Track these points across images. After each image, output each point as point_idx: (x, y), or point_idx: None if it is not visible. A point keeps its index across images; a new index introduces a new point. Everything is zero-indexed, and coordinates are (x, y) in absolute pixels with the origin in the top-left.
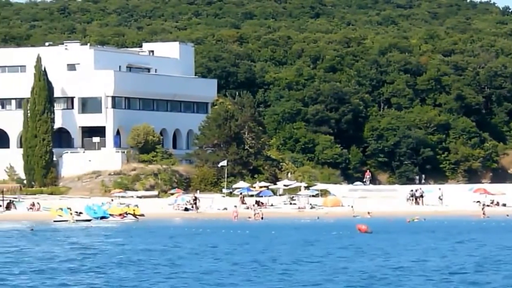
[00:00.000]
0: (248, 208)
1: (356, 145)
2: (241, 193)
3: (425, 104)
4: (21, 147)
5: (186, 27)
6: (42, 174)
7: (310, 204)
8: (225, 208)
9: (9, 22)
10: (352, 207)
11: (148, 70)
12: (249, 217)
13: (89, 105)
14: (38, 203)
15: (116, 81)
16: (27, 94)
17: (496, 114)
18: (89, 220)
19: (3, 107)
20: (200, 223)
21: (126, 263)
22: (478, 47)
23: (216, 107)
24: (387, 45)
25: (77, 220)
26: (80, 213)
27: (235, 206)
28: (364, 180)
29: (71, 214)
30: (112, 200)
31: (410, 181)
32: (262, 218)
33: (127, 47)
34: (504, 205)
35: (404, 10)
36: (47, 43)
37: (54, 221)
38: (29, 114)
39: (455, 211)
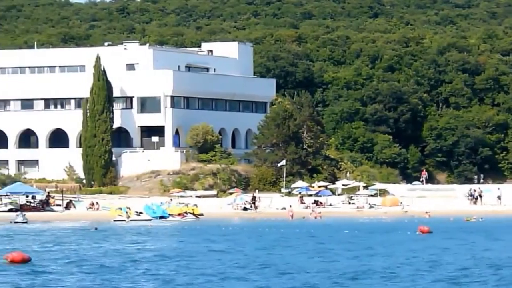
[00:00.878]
0: (307, 207)
1: (415, 145)
2: (299, 193)
3: (483, 104)
4: (80, 146)
5: (245, 27)
6: (101, 173)
7: (369, 204)
8: (284, 208)
9: (68, 22)
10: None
11: (207, 70)
12: (304, 217)
13: (148, 104)
14: (97, 202)
15: (175, 81)
16: (86, 94)
17: None
18: (149, 220)
19: (62, 106)
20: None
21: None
22: None
23: (274, 106)
24: (446, 44)
25: (136, 220)
26: (140, 213)
27: (290, 206)
28: (421, 179)
29: (127, 213)
30: (171, 199)
31: (469, 180)
32: (320, 217)
33: (186, 47)
34: None
35: (462, 9)
36: (106, 43)
37: (114, 220)
38: (88, 114)
39: None
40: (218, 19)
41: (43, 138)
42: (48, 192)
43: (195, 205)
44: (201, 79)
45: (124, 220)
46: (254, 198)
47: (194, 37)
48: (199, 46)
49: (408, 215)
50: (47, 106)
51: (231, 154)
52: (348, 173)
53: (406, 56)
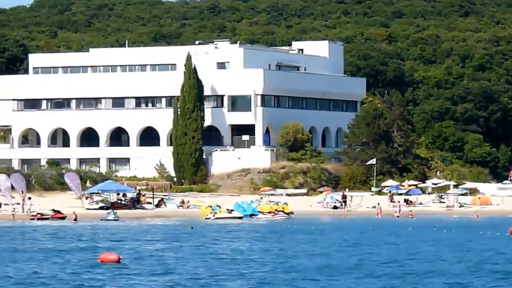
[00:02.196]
0: (400, 206)
1: (505, 144)
2: (389, 192)
3: None
4: (171, 145)
5: (335, 25)
6: (192, 171)
7: (459, 203)
8: (374, 207)
9: (159, 20)
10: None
11: (298, 68)
12: (394, 215)
13: (238, 103)
14: (188, 201)
15: (265, 80)
16: (177, 92)
17: None
18: (240, 218)
19: (153, 105)
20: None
21: None
22: None
23: (365, 105)
24: None
25: (227, 218)
26: (232, 210)
27: (378, 203)
28: (510, 178)
29: (213, 211)
30: (262, 198)
31: None
32: (412, 216)
33: (276, 46)
34: None
35: None
36: (197, 42)
37: (206, 218)
38: (179, 112)
39: None
40: (308, 18)
41: (134, 136)
42: (139, 190)
43: (285, 203)
44: (291, 78)
45: (209, 218)
46: (345, 197)
47: (284, 35)
48: (290, 45)
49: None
50: (138, 104)
51: (321, 153)
52: (438, 172)
53: (497, 55)
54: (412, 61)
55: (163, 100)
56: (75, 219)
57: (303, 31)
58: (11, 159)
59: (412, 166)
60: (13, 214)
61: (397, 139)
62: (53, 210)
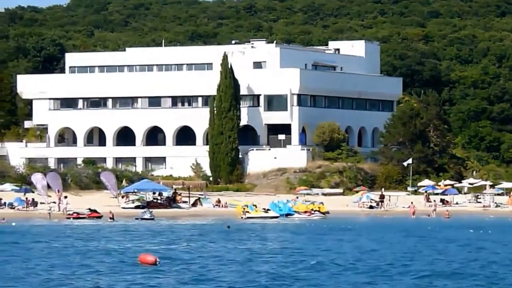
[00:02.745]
0: (433, 206)
1: None
2: (425, 191)
3: None
4: (207, 144)
5: (372, 25)
6: (228, 171)
7: (495, 203)
8: (409, 207)
9: (196, 20)
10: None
11: (334, 68)
12: (429, 215)
13: (274, 102)
14: (226, 202)
15: (301, 79)
16: (214, 92)
17: None
18: (276, 217)
19: (189, 104)
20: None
21: None
22: None
23: (401, 105)
24: None
25: (264, 217)
26: (268, 210)
27: (412, 203)
28: None
29: (244, 210)
30: (297, 197)
31: None
32: (448, 216)
33: (313, 45)
34: None
35: None
36: (233, 41)
37: (241, 217)
38: (215, 112)
39: None
40: (345, 18)
41: (170, 135)
42: (175, 189)
43: (321, 203)
44: (327, 78)
45: (255, 217)
46: (382, 197)
47: (321, 35)
48: (326, 45)
49: None
50: (174, 103)
51: (357, 153)
52: (474, 172)
53: None
54: (448, 61)
55: (199, 99)
56: (112, 218)
57: (340, 31)
58: (47, 158)
59: (448, 166)
60: (49, 213)
61: (433, 138)
62: (89, 209)
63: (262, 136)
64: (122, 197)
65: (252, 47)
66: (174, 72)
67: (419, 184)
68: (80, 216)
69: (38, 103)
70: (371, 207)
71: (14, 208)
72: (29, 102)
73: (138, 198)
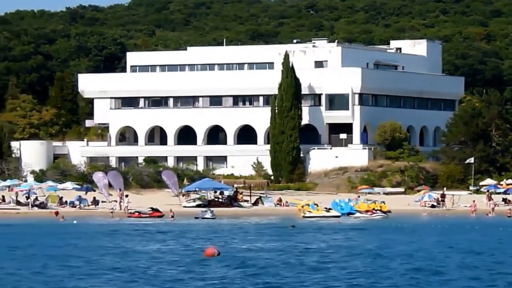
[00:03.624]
0: (495, 205)
1: None
2: (487, 191)
3: None
4: (268, 143)
5: (434, 24)
6: (289, 170)
7: None
8: (471, 206)
9: (257, 19)
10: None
11: (395, 67)
12: (488, 213)
13: (336, 102)
14: (286, 201)
15: (363, 78)
16: (275, 91)
17: None
18: (337, 217)
19: (250, 103)
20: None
21: None
22: None
23: (463, 104)
24: None
25: (325, 217)
26: (330, 209)
27: (473, 201)
28: None
29: (303, 209)
30: (359, 196)
31: None
32: (510, 215)
33: (374, 45)
34: None
35: None
36: (294, 40)
37: (303, 216)
38: (276, 111)
39: None
40: (406, 17)
41: (231, 134)
42: (237, 188)
43: (383, 202)
44: (389, 77)
45: (316, 217)
46: (444, 196)
47: (382, 34)
48: (388, 44)
49: None
50: (235, 102)
51: (419, 152)
52: None
53: None
54: (510, 60)
55: (261, 98)
56: (172, 217)
57: (401, 30)
58: (108, 157)
59: (510, 165)
60: (111, 212)
61: (495, 138)
62: (151, 208)
63: (323, 135)
64: (183, 196)
65: (313, 46)
66: (235, 71)
67: (481, 183)
68: (142, 215)
69: (99, 102)
70: (433, 206)
71: (75, 206)
72: (90, 101)
73: (200, 197)
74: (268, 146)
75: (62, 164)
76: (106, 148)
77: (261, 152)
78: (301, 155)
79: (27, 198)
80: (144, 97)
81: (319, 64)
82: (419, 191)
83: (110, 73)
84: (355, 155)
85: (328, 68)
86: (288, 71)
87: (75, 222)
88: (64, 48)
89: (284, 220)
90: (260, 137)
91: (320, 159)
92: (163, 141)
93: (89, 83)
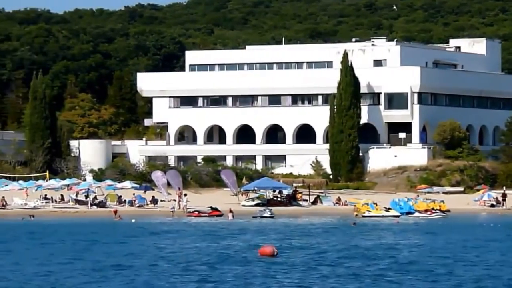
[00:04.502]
0: None
1: None
2: None
3: None
4: (327, 142)
5: (493, 23)
6: (348, 169)
7: None
8: None
9: (316, 18)
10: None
11: (455, 66)
12: None
13: (395, 100)
14: (345, 200)
15: (422, 77)
16: (334, 90)
17: None
18: (397, 216)
19: (309, 102)
20: None
21: None
22: None
23: None
24: None
25: (385, 216)
26: (389, 208)
27: None
28: None
29: (357, 208)
30: (418, 195)
31: None
32: None
33: (433, 43)
34: None
35: None
36: (353, 39)
37: (363, 216)
38: (335, 110)
39: None
40: (466, 16)
41: (290, 133)
42: (296, 187)
43: (442, 201)
44: (448, 76)
45: (375, 216)
46: (504, 195)
47: (441, 33)
48: (447, 43)
49: None
50: (294, 101)
51: (478, 151)
52: None
53: None
54: None
55: (319, 97)
56: (232, 216)
57: (460, 29)
58: (167, 156)
59: None
60: (172, 211)
61: None
62: (210, 207)
63: (382, 134)
64: (242, 194)
65: (372, 45)
66: (294, 70)
67: None
68: (201, 214)
69: (158, 101)
70: (492, 205)
71: (134, 205)
72: (149, 100)
73: (258, 196)
74: (327, 145)
75: (121, 163)
76: (165, 147)
77: (320, 151)
78: (360, 154)
79: (86, 197)
80: (203, 96)
81: (378, 63)
82: (478, 190)
83: (169, 72)
84: (414, 154)
85: (387, 67)
86: (347, 70)
87: (133, 220)
88: (123, 47)
89: (344, 219)
90: (319, 136)
91: (379, 158)
92: (222, 140)
93: (147, 82)
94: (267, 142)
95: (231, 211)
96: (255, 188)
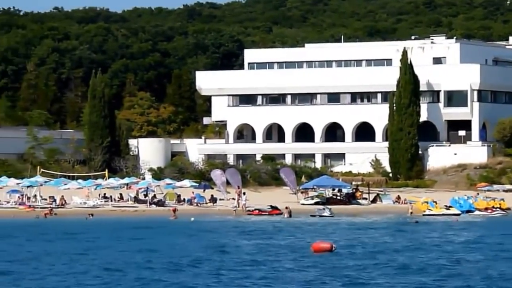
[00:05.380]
0: None
1: None
2: None
3: None
4: (386, 140)
5: None
6: (407, 167)
7: None
8: None
9: (375, 16)
10: None
11: None
12: None
13: (454, 98)
14: (405, 199)
15: (482, 75)
16: (393, 88)
17: None
18: (457, 215)
19: (369, 100)
20: None
21: None
22: None
23: None
24: None
25: (445, 215)
26: (450, 207)
27: None
28: None
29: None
30: (478, 193)
31: None
32: None
33: (493, 41)
34: None
35: None
36: (412, 37)
37: (423, 215)
38: (394, 108)
39: None
40: None
41: (349, 131)
42: (356, 185)
43: (502, 199)
44: (508, 73)
45: (436, 215)
46: None
47: (501, 30)
48: (507, 40)
49: None
50: (353, 99)
51: None
52: None
53: None
54: None
55: (379, 95)
56: (290, 215)
57: None
58: (226, 154)
59: None
60: (234, 210)
61: None
62: (270, 206)
63: (442, 132)
64: (302, 193)
65: (431, 42)
66: (353, 68)
67: None
68: (262, 212)
69: (217, 100)
70: None
71: (193, 204)
72: (208, 99)
73: (318, 195)
74: (386, 143)
75: (180, 161)
76: (223, 146)
77: (379, 149)
78: (420, 152)
79: (145, 196)
80: (262, 94)
81: (437, 61)
82: None
83: (228, 71)
84: (474, 152)
85: (446, 64)
86: (407, 67)
87: (192, 219)
88: (182, 45)
89: (404, 218)
90: (378, 134)
91: (439, 156)
92: (281, 138)
93: (206, 81)
94: (326, 140)
95: (287, 209)
96: (314, 187)
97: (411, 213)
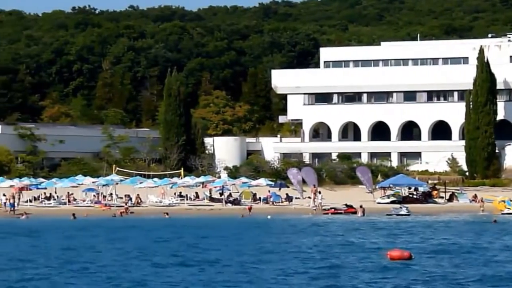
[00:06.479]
0: None
1: None
2: None
3: None
4: (463, 138)
5: None
6: (484, 166)
7: None
8: None
9: (451, 13)
10: None
11: None
12: None
13: None
14: (482, 197)
15: None
16: (469, 86)
17: None
18: None
19: (445, 98)
20: None
21: None
22: None
23: None
24: None
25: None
26: None
27: None
28: None
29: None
30: None
31: None
32: None
33: None
34: None
35: None
36: (489, 35)
37: (502, 213)
38: (471, 106)
39: None
40: None
41: (425, 130)
42: (434, 184)
43: None
44: None
45: (483, 210)
46: None
47: None
48: None
49: None
50: (429, 98)
51: None
52: None
53: None
54: None
55: (455, 93)
56: (363, 214)
57: None
58: (302, 153)
59: None
60: (314, 209)
61: None
62: (345, 205)
63: None
64: (384, 190)
65: (509, 40)
66: (429, 66)
67: None
68: (338, 211)
69: (293, 98)
70: None
71: (269, 203)
72: (283, 97)
73: (394, 193)
74: (463, 142)
75: (256, 160)
76: (299, 144)
77: (455, 148)
78: (497, 150)
79: (221, 194)
80: (338, 93)
81: None
82: None
83: (304, 69)
84: None
85: None
86: (483, 66)
87: (268, 217)
88: (257, 44)
89: (482, 217)
90: (455, 133)
91: None
92: (357, 137)
93: (282, 79)
94: (402, 139)
95: (361, 208)
96: (390, 185)
97: (483, 210)
